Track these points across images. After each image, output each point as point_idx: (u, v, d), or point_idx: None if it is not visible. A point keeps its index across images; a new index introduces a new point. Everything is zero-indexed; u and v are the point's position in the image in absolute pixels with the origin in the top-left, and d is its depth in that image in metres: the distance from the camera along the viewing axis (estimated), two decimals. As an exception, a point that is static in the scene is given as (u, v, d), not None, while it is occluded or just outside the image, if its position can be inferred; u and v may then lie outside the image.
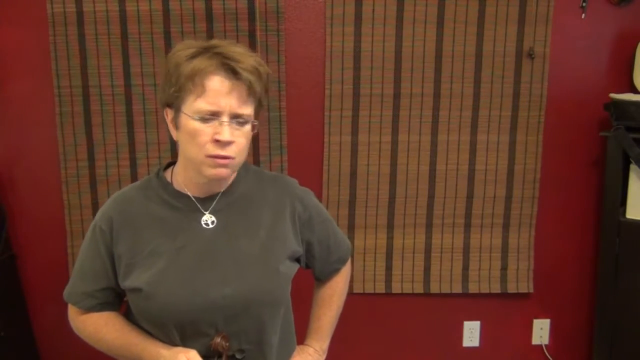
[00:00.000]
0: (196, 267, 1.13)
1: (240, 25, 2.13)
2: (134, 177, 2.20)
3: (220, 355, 1.12)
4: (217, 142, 1.07)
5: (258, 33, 2.14)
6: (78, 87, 2.15)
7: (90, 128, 2.18)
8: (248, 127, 1.11)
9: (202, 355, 1.10)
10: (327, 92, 2.20)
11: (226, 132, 1.07)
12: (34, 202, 2.26)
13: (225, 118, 1.07)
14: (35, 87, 2.17)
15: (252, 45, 2.14)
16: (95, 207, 2.20)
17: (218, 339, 1.11)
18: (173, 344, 1.14)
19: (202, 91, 1.07)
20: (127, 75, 2.15)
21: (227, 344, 1.12)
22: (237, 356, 1.16)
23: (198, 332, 1.13)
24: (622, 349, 2.17)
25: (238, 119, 1.09)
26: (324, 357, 1.39)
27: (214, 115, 1.07)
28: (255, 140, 2.21)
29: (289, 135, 2.23)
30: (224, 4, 2.11)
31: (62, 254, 2.25)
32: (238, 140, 1.10)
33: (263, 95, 1.15)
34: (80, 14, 2.10)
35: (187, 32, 2.12)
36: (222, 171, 1.10)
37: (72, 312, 1.24)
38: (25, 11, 2.12)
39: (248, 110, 1.10)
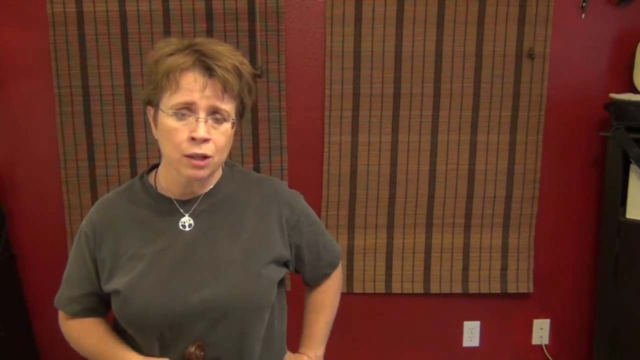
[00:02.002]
0: (175, 270, 1.11)
1: (240, 25, 2.13)
2: (133, 177, 2.20)
3: None
4: (193, 140, 1.05)
5: (258, 33, 2.14)
6: (78, 87, 2.15)
7: (90, 128, 2.18)
8: (227, 125, 1.09)
9: None
10: (327, 92, 2.20)
11: (201, 129, 1.05)
12: (34, 202, 2.26)
13: (201, 115, 1.06)
14: (35, 87, 2.17)
15: (252, 45, 2.14)
16: (95, 207, 2.20)
17: (192, 348, 1.07)
18: (153, 351, 1.12)
19: (176, 87, 1.05)
20: (127, 75, 2.15)
21: (202, 354, 1.08)
22: None
23: (177, 339, 1.11)
24: (622, 349, 2.17)
25: (215, 116, 1.07)
26: None
27: (188, 111, 1.06)
28: (255, 140, 2.21)
29: (289, 135, 2.23)
30: (224, 4, 2.11)
31: (62, 254, 2.25)
32: (216, 138, 1.07)
33: (246, 95, 1.13)
34: (80, 14, 2.10)
35: (187, 32, 2.12)
36: (199, 172, 1.08)
37: (61, 317, 1.23)
38: (25, 11, 2.12)
39: (225, 106, 1.08)
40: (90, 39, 2.12)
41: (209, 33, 2.12)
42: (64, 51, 2.12)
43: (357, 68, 2.19)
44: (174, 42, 1.10)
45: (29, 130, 2.21)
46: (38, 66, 2.15)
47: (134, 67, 2.14)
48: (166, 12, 2.11)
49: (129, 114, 2.17)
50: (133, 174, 2.21)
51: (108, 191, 2.23)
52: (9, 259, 2.23)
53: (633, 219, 2.09)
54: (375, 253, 2.32)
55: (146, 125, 2.18)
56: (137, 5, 2.10)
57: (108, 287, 1.14)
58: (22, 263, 2.30)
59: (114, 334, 1.18)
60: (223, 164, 1.22)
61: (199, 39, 1.11)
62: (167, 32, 2.12)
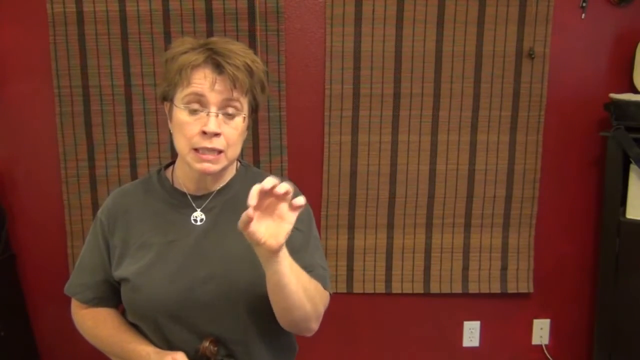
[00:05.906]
0: (183, 262, 1.14)
1: (240, 25, 2.13)
2: (133, 177, 2.20)
3: None
4: (204, 134, 1.08)
5: (258, 33, 2.14)
6: (78, 87, 2.15)
7: (90, 128, 2.18)
8: (238, 119, 1.12)
9: (190, 359, 1.10)
10: (327, 92, 2.20)
11: (212, 123, 1.08)
12: (34, 202, 2.26)
13: (212, 109, 1.09)
14: (35, 87, 2.17)
15: (252, 45, 2.14)
16: (95, 207, 2.20)
17: (206, 344, 1.10)
18: (157, 341, 1.15)
19: (187, 83, 1.09)
20: (127, 75, 2.15)
21: (216, 349, 1.11)
22: None
23: (183, 331, 1.13)
24: (622, 349, 2.17)
25: (226, 110, 1.10)
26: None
27: (200, 105, 1.09)
28: (255, 140, 2.21)
29: (289, 135, 2.23)
30: (224, 4, 2.11)
31: (62, 254, 2.25)
32: (227, 132, 1.10)
33: (258, 92, 1.16)
34: (80, 14, 2.10)
35: (187, 32, 2.12)
36: (208, 166, 1.11)
37: (74, 305, 1.26)
38: (25, 11, 2.12)
39: (236, 103, 1.11)
40: (90, 39, 2.12)
41: (209, 33, 2.12)
42: (64, 51, 2.12)
43: (357, 68, 2.19)
44: (188, 41, 1.14)
45: (29, 130, 2.21)
46: (38, 66, 2.15)
47: (134, 67, 2.14)
48: (166, 12, 2.11)
49: (129, 114, 2.17)
50: (133, 174, 2.21)
51: (108, 191, 2.24)
52: (9, 259, 2.23)
53: (633, 219, 2.09)
54: (375, 253, 2.32)
55: (146, 125, 2.18)
56: (137, 5, 2.10)
57: (117, 274, 1.17)
58: (22, 263, 2.29)
59: (131, 326, 1.21)
60: (238, 164, 1.26)
61: (213, 38, 1.15)
62: (167, 32, 2.12)
